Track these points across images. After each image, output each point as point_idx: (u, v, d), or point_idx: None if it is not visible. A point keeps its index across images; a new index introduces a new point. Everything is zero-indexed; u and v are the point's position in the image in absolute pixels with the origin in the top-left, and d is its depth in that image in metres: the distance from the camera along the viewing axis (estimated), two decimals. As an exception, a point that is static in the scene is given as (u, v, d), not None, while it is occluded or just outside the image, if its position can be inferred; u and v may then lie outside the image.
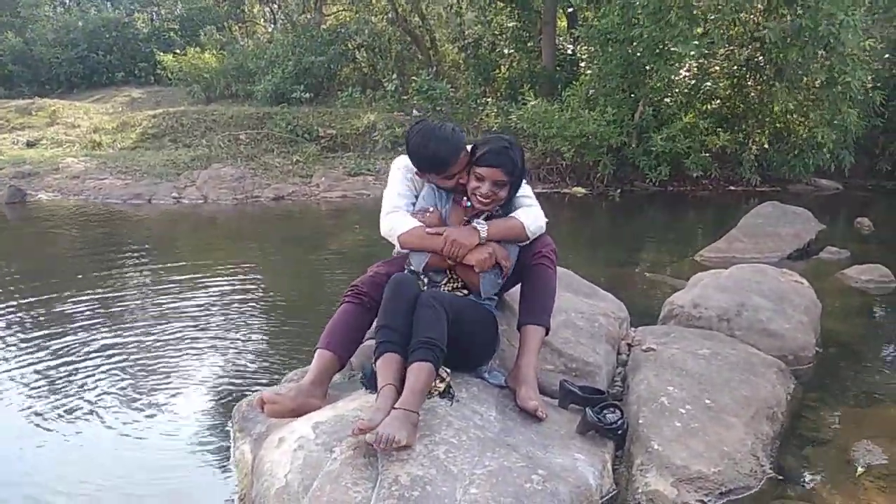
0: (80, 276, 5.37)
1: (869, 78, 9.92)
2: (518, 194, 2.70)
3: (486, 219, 2.62)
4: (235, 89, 15.38)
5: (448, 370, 2.43)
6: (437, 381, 2.38)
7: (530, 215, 2.65)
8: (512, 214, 2.64)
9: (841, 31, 8.80)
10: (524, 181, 2.70)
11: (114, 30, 18.11)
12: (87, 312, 4.45)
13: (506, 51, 14.97)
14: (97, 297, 4.82)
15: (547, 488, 2.05)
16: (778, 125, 11.21)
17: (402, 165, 2.79)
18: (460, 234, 2.54)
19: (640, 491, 2.27)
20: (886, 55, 10.99)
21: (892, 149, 11.91)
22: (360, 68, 16.06)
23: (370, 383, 2.46)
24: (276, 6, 19.26)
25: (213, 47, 16.54)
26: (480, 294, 2.62)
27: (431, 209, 2.66)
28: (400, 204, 2.70)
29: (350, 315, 2.65)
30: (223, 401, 3.13)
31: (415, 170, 2.72)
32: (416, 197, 2.76)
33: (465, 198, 2.65)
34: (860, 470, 2.49)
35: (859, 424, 2.90)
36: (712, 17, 9.71)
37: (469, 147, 2.62)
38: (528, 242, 2.70)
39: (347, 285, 2.72)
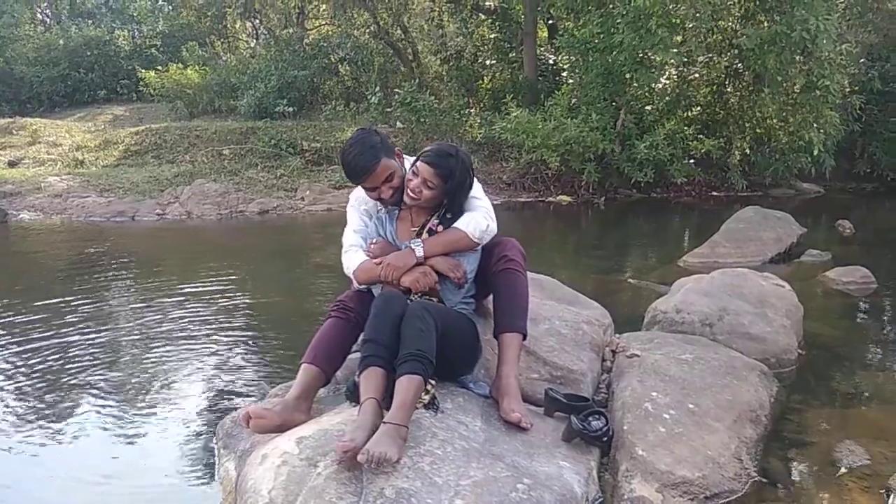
0: (61, 294, 5.31)
1: (846, 82, 10.08)
2: (470, 195, 2.71)
3: (432, 233, 2.66)
4: (218, 105, 15.36)
5: (433, 381, 2.42)
6: (423, 393, 2.37)
7: (471, 221, 2.64)
8: (453, 225, 2.65)
9: (817, 36, 8.93)
10: (473, 183, 2.71)
11: (95, 48, 18.03)
12: (70, 330, 4.41)
13: (488, 62, 15.08)
14: (80, 314, 4.78)
15: (532, 497, 2.05)
16: (759, 130, 11.36)
17: (353, 197, 2.89)
18: (395, 258, 2.58)
19: (625, 497, 2.27)
20: (862, 60, 11.15)
21: (871, 151, 12.10)
22: (343, 81, 16.09)
23: (353, 396, 2.45)
24: (258, 22, 19.27)
25: (195, 63, 16.52)
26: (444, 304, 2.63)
27: (375, 240, 2.71)
28: (353, 241, 2.77)
29: (335, 329, 2.64)
30: (207, 417, 3.11)
31: (362, 196, 2.80)
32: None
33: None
34: (843, 471, 2.51)
35: (842, 425, 2.92)
36: (691, 26, 9.82)
37: (393, 163, 2.67)
38: (489, 248, 2.70)
39: (333, 298, 2.73)
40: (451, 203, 2.65)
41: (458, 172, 2.57)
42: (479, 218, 2.66)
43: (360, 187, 2.82)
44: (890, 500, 2.28)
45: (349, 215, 2.88)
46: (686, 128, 10.61)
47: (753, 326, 3.51)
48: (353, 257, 2.72)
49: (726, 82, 11.51)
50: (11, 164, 12.64)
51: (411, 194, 2.60)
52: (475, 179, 2.73)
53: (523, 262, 2.75)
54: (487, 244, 2.71)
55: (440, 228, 2.67)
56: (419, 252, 2.58)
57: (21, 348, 4.09)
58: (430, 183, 2.57)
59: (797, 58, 9.62)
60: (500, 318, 2.68)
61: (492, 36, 14.88)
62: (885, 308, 4.92)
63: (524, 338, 2.69)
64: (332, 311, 2.69)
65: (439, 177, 2.56)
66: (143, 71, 16.38)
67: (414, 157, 2.70)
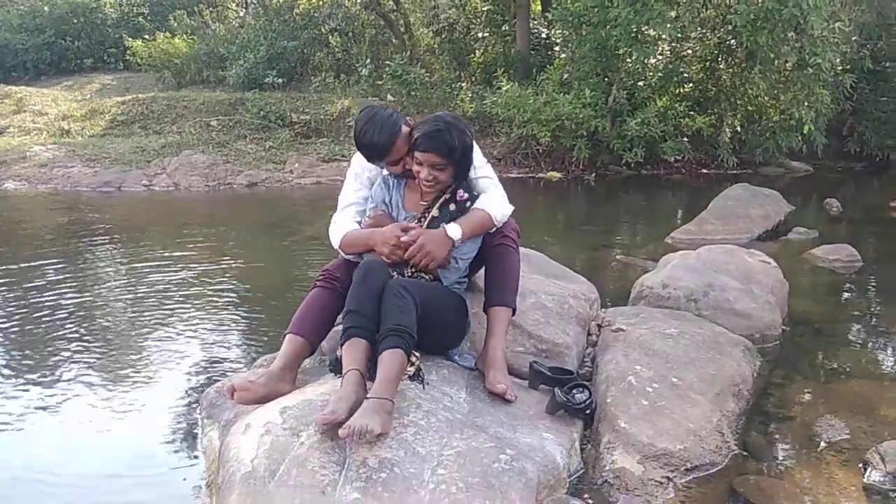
0: (45, 263, 5.27)
1: (838, 61, 10.04)
2: (478, 175, 2.70)
3: (455, 210, 2.62)
4: (206, 75, 15.13)
5: (418, 353, 2.42)
6: (408, 365, 2.37)
7: (494, 204, 2.64)
8: (477, 206, 2.62)
9: (808, 13, 8.87)
10: (477, 159, 2.68)
11: (81, 15, 17.65)
12: (55, 299, 4.38)
13: (480, 34, 14.91)
14: (64, 284, 4.74)
15: (514, 467, 2.07)
16: (750, 108, 11.33)
17: (353, 162, 2.86)
18: (432, 242, 2.49)
19: (606, 469, 2.29)
20: (854, 38, 11.11)
21: (861, 130, 12.11)
22: (334, 53, 15.87)
23: (337, 368, 2.44)
24: (247, -10, 18.97)
25: (183, 32, 16.25)
26: (441, 282, 2.63)
27: (375, 208, 2.69)
28: (348, 202, 2.79)
29: (321, 300, 2.63)
30: (192, 388, 3.10)
31: (366, 163, 2.77)
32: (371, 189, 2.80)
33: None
34: (823, 445, 2.54)
35: (823, 400, 2.96)
36: (684, 0, 9.73)
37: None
38: None
39: (320, 270, 2.71)
40: (460, 171, 2.62)
41: (456, 140, 2.52)
42: (503, 200, 2.68)
43: (359, 156, 2.79)
44: (867, 474, 2.31)
45: (346, 185, 2.85)
46: (678, 105, 10.56)
47: (739, 302, 3.54)
48: (335, 230, 2.72)
49: (719, 59, 11.44)
50: (-4, 133, 12.45)
51: (428, 184, 2.56)
52: (474, 143, 2.68)
53: (517, 239, 2.76)
54: None
55: (463, 195, 2.64)
56: (457, 236, 2.52)
57: (2, 317, 4.06)
58: (439, 165, 2.53)
59: (790, 35, 9.56)
60: (490, 293, 2.68)
61: (485, 8, 14.70)
62: (870, 286, 4.96)
63: (513, 313, 2.69)
64: (318, 281, 2.68)
65: (443, 155, 2.51)
66: (131, 40, 16.09)
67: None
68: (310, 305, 2.63)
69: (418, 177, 2.57)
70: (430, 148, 2.50)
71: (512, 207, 2.71)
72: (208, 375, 3.22)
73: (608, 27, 9.98)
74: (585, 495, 2.22)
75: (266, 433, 2.09)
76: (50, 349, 3.58)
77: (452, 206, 2.64)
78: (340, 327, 2.41)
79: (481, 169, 2.72)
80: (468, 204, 2.63)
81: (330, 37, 15.66)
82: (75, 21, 17.55)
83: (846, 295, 4.82)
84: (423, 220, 2.63)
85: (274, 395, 2.41)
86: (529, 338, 2.91)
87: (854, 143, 12.27)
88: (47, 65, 17.33)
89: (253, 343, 3.71)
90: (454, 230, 2.52)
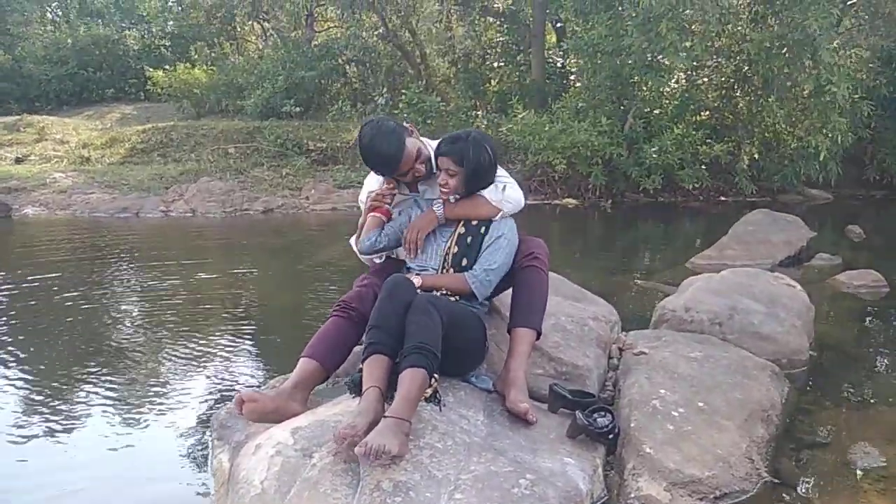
0: (62, 286, 5.26)
1: (855, 88, 9.95)
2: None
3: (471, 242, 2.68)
4: (225, 104, 15.34)
5: (436, 375, 2.34)
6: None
7: (490, 188, 2.67)
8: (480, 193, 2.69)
9: (815, 39, 8.83)
10: (496, 164, 2.70)
11: (104, 47, 18.04)
12: (69, 321, 4.36)
13: (496, 64, 15.04)
14: (80, 306, 4.72)
15: (535, 493, 1.98)
16: (767, 135, 11.24)
17: (364, 188, 2.96)
18: (418, 219, 2.69)
19: (632, 496, 2.19)
20: (870, 65, 11.04)
21: (880, 158, 11.97)
22: (351, 83, 16.06)
23: (356, 389, 2.37)
24: (267, 24, 19.26)
25: (203, 63, 16.52)
26: (476, 298, 2.60)
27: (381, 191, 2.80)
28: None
29: (337, 327, 2.60)
30: (204, 410, 3.04)
31: (375, 186, 2.84)
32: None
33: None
34: (859, 473, 2.42)
35: (855, 427, 2.83)
36: (698, 29, 9.73)
37: (415, 139, 2.74)
38: (517, 244, 2.67)
39: (336, 295, 2.69)
40: (472, 184, 2.64)
41: (472, 152, 2.56)
42: (508, 189, 2.70)
43: (367, 184, 2.89)
44: (907, 503, 2.19)
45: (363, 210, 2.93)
46: (695, 132, 10.51)
47: (764, 326, 3.43)
48: (354, 239, 2.87)
49: (735, 86, 11.40)
50: (18, 161, 12.65)
51: (443, 189, 2.65)
52: (497, 164, 2.71)
53: (547, 261, 2.71)
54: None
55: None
56: (439, 211, 2.66)
57: (17, 338, 4.03)
58: (451, 171, 2.60)
59: (805, 62, 9.51)
60: (516, 313, 2.62)
61: (500, 38, 14.85)
62: (897, 312, 4.82)
63: (538, 336, 2.62)
64: (334, 310, 2.66)
65: (454, 162, 2.58)
66: (152, 70, 16.38)
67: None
68: (325, 332, 2.60)
69: (438, 182, 2.66)
70: (445, 152, 2.61)
71: (518, 196, 2.74)
72: (220, 396, 3.16)
73: (622, 55, 9.99)
74: (609, 523, 2.12)
75: (277, 454, 2.02)
76: (62, 369, 3.54)
77: (469, 240, 2.66)
78: (360, 349, 2.35)
79: (500, 178, 2.71)
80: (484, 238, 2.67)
81: (347, 67, 15.85)
82: (97, 52, 17.93)
83: (873, 320, 4.68)
84: (447, 257, 2.66)
85: (283, 411, 2.35)
86: (549, 360, 2.83)
87: (874, 170, 12.13)
88: (69, 95, 17.68)
89: (266, 365, 3.65)
90: (437, 205, 2.69)
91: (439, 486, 1.94)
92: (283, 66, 14.67)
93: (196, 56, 17.02)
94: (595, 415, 2.41)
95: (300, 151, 12.26)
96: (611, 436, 2.40)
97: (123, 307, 4.80)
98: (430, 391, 2.30)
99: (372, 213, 2.77)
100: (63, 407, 3.09)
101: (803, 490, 2.33)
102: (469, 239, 2.65)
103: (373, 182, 2.89)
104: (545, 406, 2.59)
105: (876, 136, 11.76)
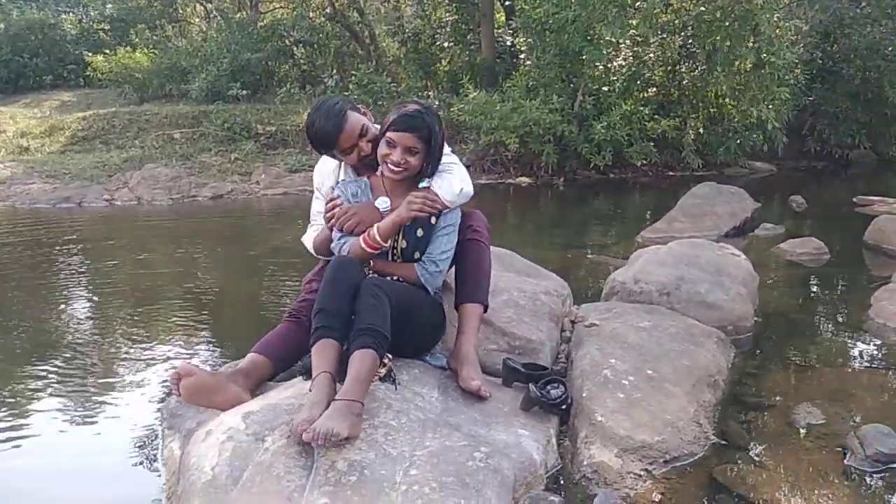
0: (2, 279, 5.07)
1: (794, 60, 10.21)
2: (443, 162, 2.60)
3: (423, 236, 2.52)
4: (169, 89, 14.92)
5: (390, 355, 2.33)
6: (379, 367, 2.28)
7: (444, 182, 2.50)
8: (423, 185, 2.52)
9: (758, 15, 9.02)
10: (445, 150, 2.58)
11: (39, 32, 17.30)
12: (12, 315, 4.20)
13: (445, 44, 14.96)
14: (23, 299, 4.56)
15: (490, 465, 1.99)
16: (712, 109, 11.48)
17: (314, 176, 2.85)
18: (362, 210, 2.46)
19: (584, 463, 2.23)
20: (809, 38, 11.33)
21: (820, 130, 12.35)
22: (299, 65, 15.79)
23: (308, 374, 2.34)
24: (210, 5, 18.74)
25: (144, 46, 16.01)
26: (428, 290, 2.53)
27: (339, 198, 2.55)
28: (313, 218, 2.80)
29: (287, 330, 2.62)
30: (153, 399, 2.97)
31: (324, 173, 2.77)
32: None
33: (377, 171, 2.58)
34: (802, 432, 2.51)
35: (798, 389, 2.94)
36: (642, 5, 9.83)
37: (362, 116, 2.57)
38: (459, 219, 2.60)
39: (289, 282, 2.71)
40: (432, 163, 2.48)
41: (436, 124, 2.43)
42: (453, 180, 2.52)
43: (318, 168, 2.80)
44: (847, 458, 2.28)
45: (313, 200, 2.84)
46: (642, 108, 10.65)
47: (710, 295, 3.51)
48: (307, 237, 2.77)
49: (680, 62, 11.59)
50: (-50, 152, 12.09)
51: (395, 168, 2.42)
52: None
53: (488, 234, 2.68)
54: None
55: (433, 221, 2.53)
56: (383, 207, 2.47)
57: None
58: (414, 149, 2.41)
59: (747, 36, 9.71)
60: (461, 289, 2.61)
61: (449, 18, 14.76)
62: (838, 277, 5.00)
63: (485, 310, 2.63)
64: (285, 317, 2.66)
65: (421, 139, 2.40)
66: (91, 55, 15.80)
67: (380, 128, 2.52)
68: (274, 334, 2.62)
69: (385, 160, 2.44)
70: (409, 128, 2.38)
71: (470, 189, 2.57)
72: (169, 386, 3.09)
73: (567, 31, 10.03)
74: (563, 491, 2.15)
75: (228, 439, 1.99)
76: (6, 364, 3.42)
77: (420, 233, 2.50)
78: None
79: (445, 157, 2.63)
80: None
81: (294, 48, 15.57)
82: (33, 38, 17.21)
83: (815, 286, 4.86)
84: (395, 251, 2.50)
85: (222, 391, 2.34)
86: (502, 335, 2.84)
87: (814, 142, 12.51)
88: (5, 82, 16.98)
89: (217, 353, 3.59)
90: (382, 202, 2.48)
91: (394, 463, 1.95)
92: (227, 48, 14.32)
93: (137, 39, 16.47)
94: (548, 387, 2.44)
95: (249, 135, 12.02)
96: (563, 406, 2.43)
97: (69, 300, 4.65)
98: (384, 371, 2.29)
99: (362, 246, 2.42)
100: (10, 400, 2.99)
101: (749, 451, 2.40)
102: (419, 231, 2.49)
103: (323, 167, 2.82)
104: (499, 381, 2.61)
105: (815, 109, 12.13)
